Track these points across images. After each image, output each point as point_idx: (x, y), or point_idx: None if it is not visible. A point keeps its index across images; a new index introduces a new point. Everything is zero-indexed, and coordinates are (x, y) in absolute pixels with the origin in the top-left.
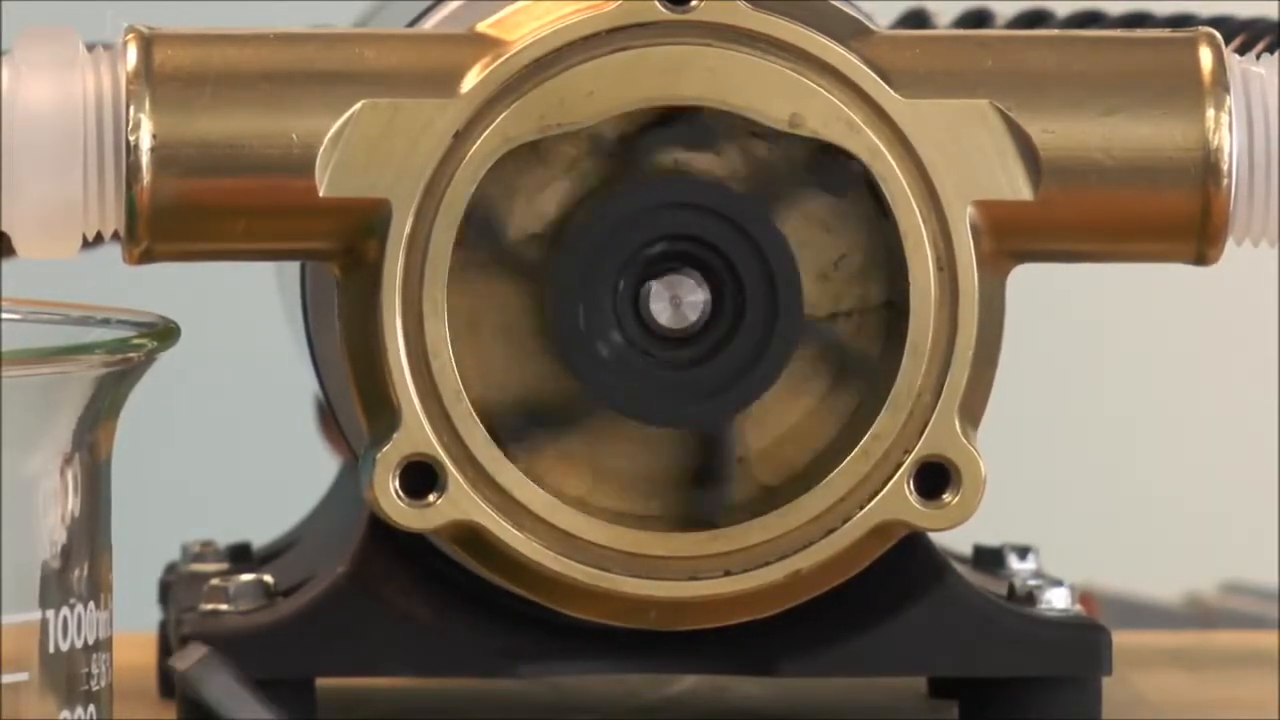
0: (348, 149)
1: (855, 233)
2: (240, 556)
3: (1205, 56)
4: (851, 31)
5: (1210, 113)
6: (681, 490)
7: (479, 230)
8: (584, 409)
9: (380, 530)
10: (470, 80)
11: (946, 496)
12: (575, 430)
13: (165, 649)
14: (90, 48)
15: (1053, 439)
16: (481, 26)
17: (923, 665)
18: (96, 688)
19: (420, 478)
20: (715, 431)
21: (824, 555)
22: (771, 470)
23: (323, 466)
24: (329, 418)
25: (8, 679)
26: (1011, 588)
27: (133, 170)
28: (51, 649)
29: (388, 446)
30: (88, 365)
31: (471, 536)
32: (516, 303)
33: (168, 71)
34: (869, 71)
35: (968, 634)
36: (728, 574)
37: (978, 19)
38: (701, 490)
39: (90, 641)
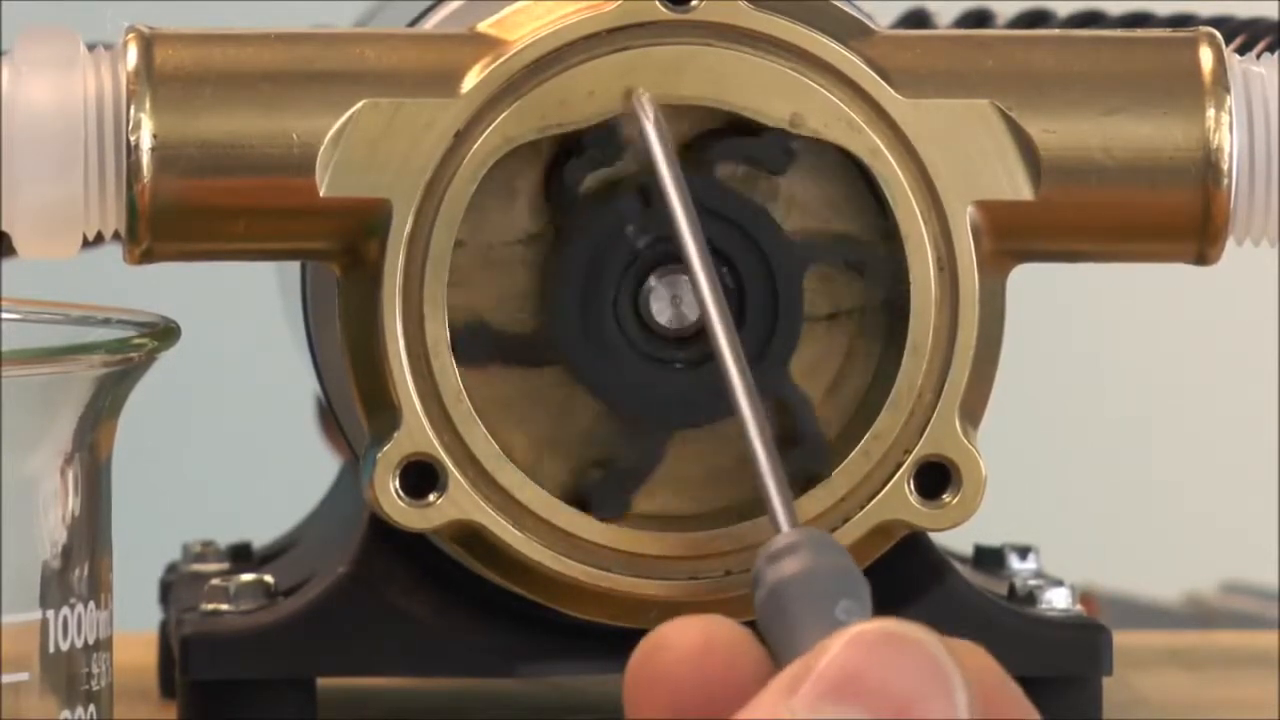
0: (348, 149)
1: (855, 232)
2: (241, 556)
3: (1206, 56)
4: (852, 31)
5: (1210, 113)
6: (681, 489)
7: (470, 340)
8: (608, 423)
9: (380, 530)
10: (471, 80)
11: (947, 496)
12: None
13: (165, 649)
14: (90, 48)
15: (1053, 439)
16: (482, 26)
17: None
18: (97, 688)
19: (420, 477)
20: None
21: None
22: None
23: (323, 466)
24: (329, 418)
25: (8, 679)
26: (1012, 588)
27: (133, 170)
28: (52, 649)
29: (388, 446)
30: (88, 365)
31: (472, 536)
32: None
33: (168, 71)
34: (869, 71)
35: (968, 634)
36: (728, 574)
37: (978, 19)
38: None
39: (90, 641)
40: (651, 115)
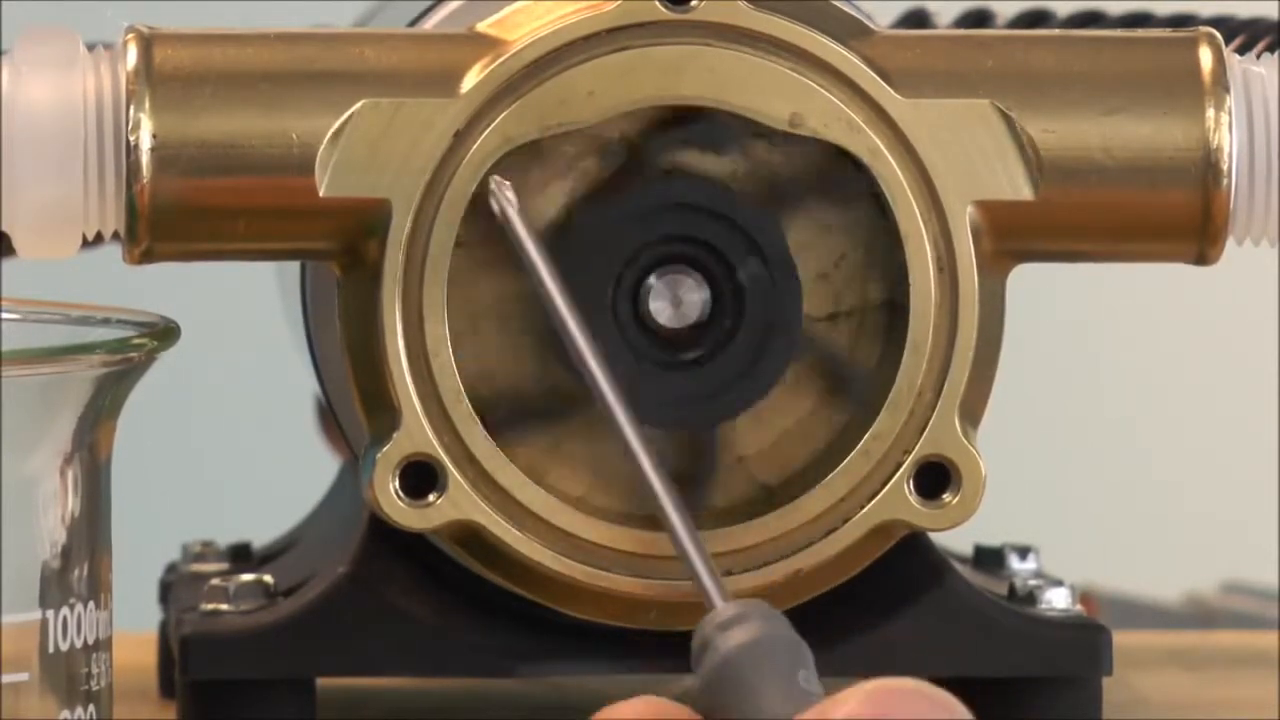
0: (348, 149)
1: (855, 232)
2: (240, 556)
3: (1205, 56)
4: (852, 31)
5: (1210, 113)
6: (683, 489)
7: (484, 223)
8: (584, 409)
9: (380, 530)
10: (470, 80)
11: (946, 496)
12: (576, 430)
13: (165, 649)
14: (90, 48)
15: (1053, 439)
16: (481, 26)
17: (923, 665)
18: (96, 688)
19: (420, 477)
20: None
21: (824, 555)
22: (771, 470)
23: (323, 466)
24: (329, 418)
25: (8, 679)
26: (1012, 588)
27: (133, 170)
28: (51, 649)
29: (388, 446)
30: (88, 365)
31: (471, 536)
32: (517, 304)
33: (168, 71)
34: (869, 71)
35: (968, 634)
36: (728, 574)
37: (978, 19)
38: (699, 489)
39: (90, 641)
40: (514, 202)
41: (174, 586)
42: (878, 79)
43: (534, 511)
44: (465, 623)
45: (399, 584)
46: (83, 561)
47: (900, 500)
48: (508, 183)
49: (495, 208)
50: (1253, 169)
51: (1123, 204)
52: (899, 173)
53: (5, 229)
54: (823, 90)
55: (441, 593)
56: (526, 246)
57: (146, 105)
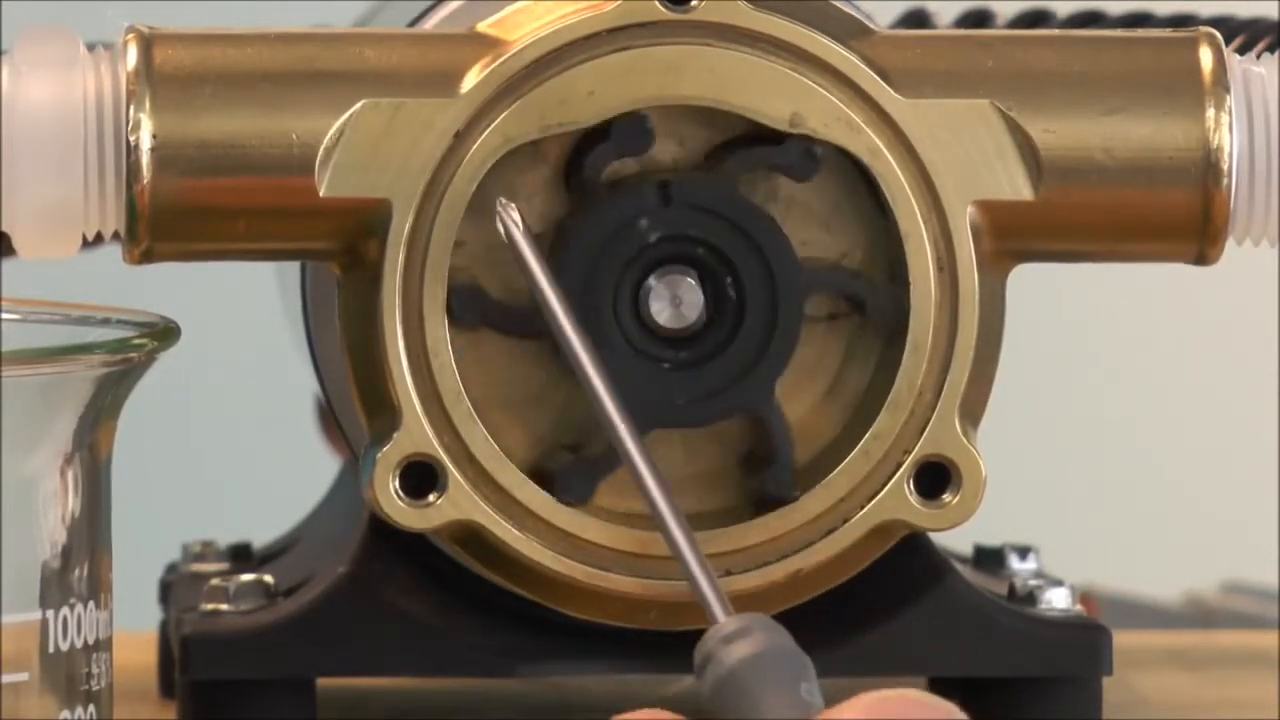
0: (348, 149)
1: (855, 232)
2: (241, 556)
3: (1206, 56)
4: (852, 31)
5: (1210, 113)
6: (683, 489)
7: (465, 302)
8: (584, 409)
9: (380, 530)
10: (470, 80)
11: (946, 496)
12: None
13: (165, 649)
14: (90, 48)
15: (1053, 439)
16: (482, 26)
17: (923, 665)
18: (96, 688)
19: (420, 477)
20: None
21: (824, 555)
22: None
23: (323, 466)
24: (329, 418)
25: (8, 679)
26: (1012, 588)
27: (133, 170)
28: (51, 649)
29: (388, 446)
30: (88, 365)
31: (471, 536)
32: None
33: (168, 71)
34: (869, 71)
35: (968, 634)
36: (728, 574)
37: (978, 19)
38: (760, 475)
39: (90, 641)
40: (519, 223)
41: (174, 586)
42: (878, 79)
43: (534, 511)
44: (465, 623)
45: (399, 584)
46: (83, 561)
47: (900, 500)
48: (513, 204)
49: (500, 228)
50: (1253, 169)
51: (1123, 204)
52: (899, 173)
53: (5, 229)
54: (823, 90)
55: (441, 593)
56: (532, 267)
57: (146, 105)
